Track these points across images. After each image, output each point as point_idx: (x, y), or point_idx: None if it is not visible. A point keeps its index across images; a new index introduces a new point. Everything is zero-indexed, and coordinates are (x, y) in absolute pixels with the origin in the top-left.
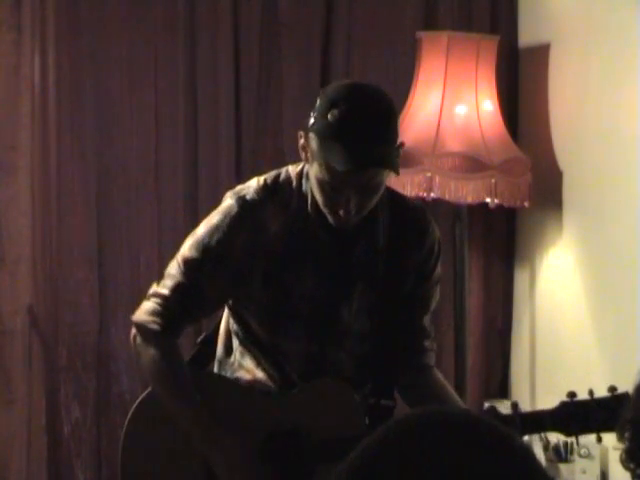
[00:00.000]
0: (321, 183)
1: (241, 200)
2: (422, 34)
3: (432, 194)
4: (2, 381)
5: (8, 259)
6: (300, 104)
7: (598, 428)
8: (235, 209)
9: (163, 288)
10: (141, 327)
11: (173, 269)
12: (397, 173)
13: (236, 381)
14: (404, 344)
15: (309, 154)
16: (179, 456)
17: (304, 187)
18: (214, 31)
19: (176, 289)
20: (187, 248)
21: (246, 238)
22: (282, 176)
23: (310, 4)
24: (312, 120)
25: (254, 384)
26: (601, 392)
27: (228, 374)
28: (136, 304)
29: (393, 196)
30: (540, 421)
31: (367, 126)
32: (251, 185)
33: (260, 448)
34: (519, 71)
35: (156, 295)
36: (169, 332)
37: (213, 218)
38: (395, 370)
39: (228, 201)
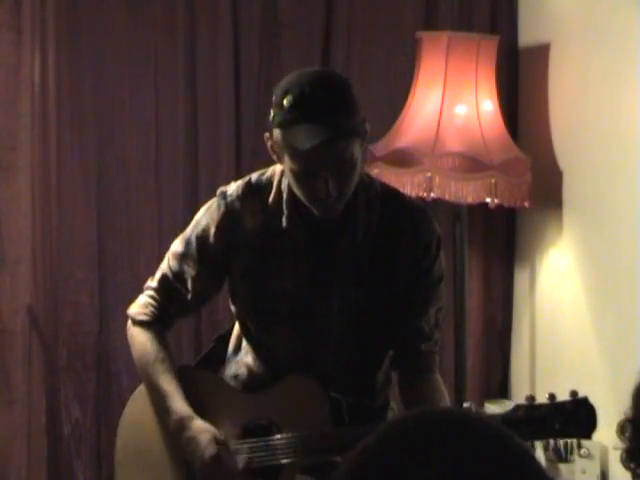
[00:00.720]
0: (296, 174)
1: (222, 196)
2: (422, 34)
3: (432, 194)
4: (2, 381)
5: (8, 259)
6: None
7: (553, 433)
8: (215, 204)
9: (153, 282)
10: (132, 318)
11: (163, 263)
12: (364, 140)
13: (217, 377)
14: (398, 345)
15: (278, 151)
16: (161, 451)
17: (283, 185)
18: (214, 31)
19: (162, 280)
20: (175, 243)
21: (223, 233)
22: (267, 174)
23: (310, 4)
24: (271, 116)
25: (251, 379)
26: (601, 392)
27: (232, 370)
28: None
29: (388, 192)
30: None
31: (323, 101)
32: (237, 182)
33: (235, 442)
34: (519, 71)
35: (147, 288)
36: (157, 322)
37: (199, 213)
38: (376, 369)
39: (214, 198)
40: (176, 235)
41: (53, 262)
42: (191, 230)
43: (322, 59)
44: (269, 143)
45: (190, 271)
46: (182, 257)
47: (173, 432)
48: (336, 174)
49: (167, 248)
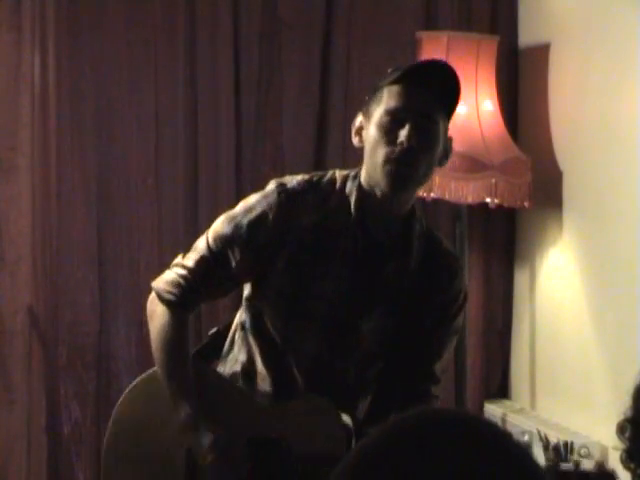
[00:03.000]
0: (380, 122)
1: (282, 187)
2: (422, 34)
3: (432, 194)
4: (2, 381)
5: (8, 259)
6: (300, 104)
7: None
8: (274, 194)
9: (188, 260)
10: (158, 294)
11: (201, 243)
12: (446, 143)
13: (230, 380)
14: (408, 384)
15: (363, 127)
16: (161, 446)
17: (348, 188)
18: (214, 31)
19: (201, 262)
20: (219, 223)
21: (278, 223)
22: (327, 176)
23: (310, 4)
24: (369, 94)
25: (248, 381)
26: (601, 392)
27: (227, 368)
28: (136, 304)
29: (432, 232)
30: None
31: (439, 68)
32: (296, 177)
33: (242, 447)
34: (519, 71)
35: (180, 266)
36: (184, 305)
37: (251, 198)
38: (393, 398)
39: (270, 186)
40: (176, 235)
41: (53, 262)
42: (242, 214)
43: (322, 59)
44: (357, 124)
45: (235, 256)
46: (228, 240)
47: (180, 428)
48: (416, 124)
49: (167, 248)
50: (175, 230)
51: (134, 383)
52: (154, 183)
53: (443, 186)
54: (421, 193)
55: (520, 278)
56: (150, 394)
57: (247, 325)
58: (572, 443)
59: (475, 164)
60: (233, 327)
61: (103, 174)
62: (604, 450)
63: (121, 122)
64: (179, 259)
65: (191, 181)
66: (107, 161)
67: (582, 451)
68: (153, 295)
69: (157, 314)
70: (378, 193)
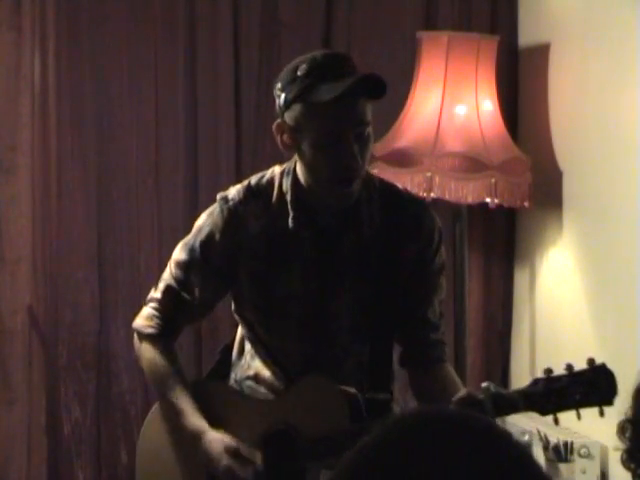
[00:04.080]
0: (319, 143)
1: (223, 201)
2: (422, 34)
3: (432, 194)
4: (2, 381)
5: (8, 259)
6: None
7: (575, 404)
8: (217, 210)
9: (156, 292)
10: (138, 331)
11: (165, 273)
12: (384, 87)
13: (231, 387)
14: (407, 338)
15: (293, 137)
16: (182, 459)
17: (284, 185)
18: (214, 31)
19: (167, 291)
20: (177, 250)
21: (227, 238)
22: (267, 176)
23: (310, 4)
24: (282, 98)
25: (260, 383)
26: None
27: (239, 376)
28: (136, 304)
29: (387, 187)
30: (513, 402)
31: (337, 62)
32: (236, 187)
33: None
34: (519, 71)
35: (151, 300)
36: (164, 334)
37: (200, 219)
38: (390, 363)
39: (215, 203)
40: (176, 235)
41: (53, 262)
42: (193, 237)
43: None
44: (279, 134)
45: (196, 279)
46: (186, 265)
47: (190, 448)
48: (359, 137)
49: (167, 248)
50: (175, 230)
51: (148, 417)
52: (154, 183)
53: (443, 186)
54: (421, 193)
55: (520, 278)
56: (164, 425)
57: (248, 337)
58: (572, 443)
59: (475, 164)
60: (237, 338)
61: (103, 174)
62: (604, 450)
63: (121, 122)
64: (151, 293)
65: (191, 181)
66: (107, 161)
67: (582, 451)
68: (135, 336)
69: (143, 351)
70: (321, 196)
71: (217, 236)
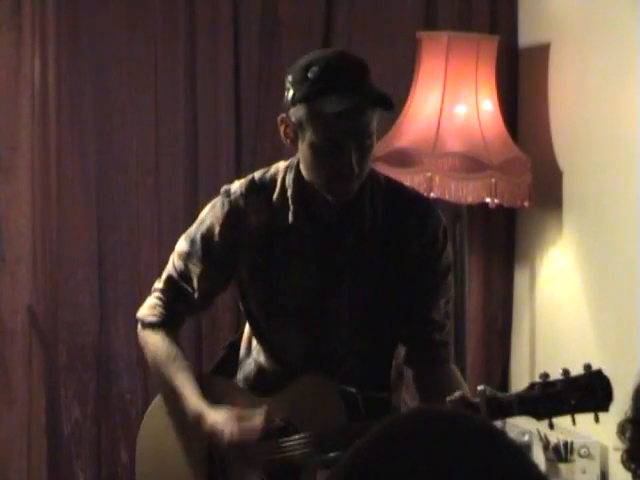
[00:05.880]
0: (319, 148)
1: (226, 194)
2: (422, 34)
3: (432, 194)
4: (2, 381)
5: (8, 259)
6: None
7: (570, 409)
8: (219, 202)
9: (159, 282)
10: (142, 321)
11: (168, 264)
12: (392, 107)
13: (232, 382)
14: (412, 337)
15: (296, 133)
16: (184, 454)
17: (287, 180)
18: (214, 31)
19: (168, 281)
20: (180, 241)
21: (228, 231)
22: (270, 171)
23: (310, 4)
24: (290, 94)
25: (261, 378)
26: None
27: (246, 372)
28: (136, 304)
29: (392, 185)
30: (508, 405)
31: (350, 70)
32: (240, 181)
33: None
34: (519, 71)
35: (155, 290)
36: (166, 323)
37: (203, 211)
38: (388, 363)
39: (218, 196)
40: (176, 235)
41: (53, 262)
42: (195, 229)
43: None
44: (283, 126)
45: (195, 270)
46: (187, 256)
47: (194, 430)
48: (359, 148)
49: (167, 248)
50: (175, 230)
51: (151, 406)
52: (154, 183)
53: (443, 186)
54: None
55: (520, 278)
56: (166, 412)
57: (253, 331)
58: (572, 443)
59: (475, 164)
60: (245, 334)
61: (103, 174)
62: (604, 450)
63: (121, 122)
64: (155, 284)
65: (191, 181)
66: (107, 161)
67: (582, 451)
68: (138, 326)
69: (147, 343)
70: (321, 192)
71: (218, 229)
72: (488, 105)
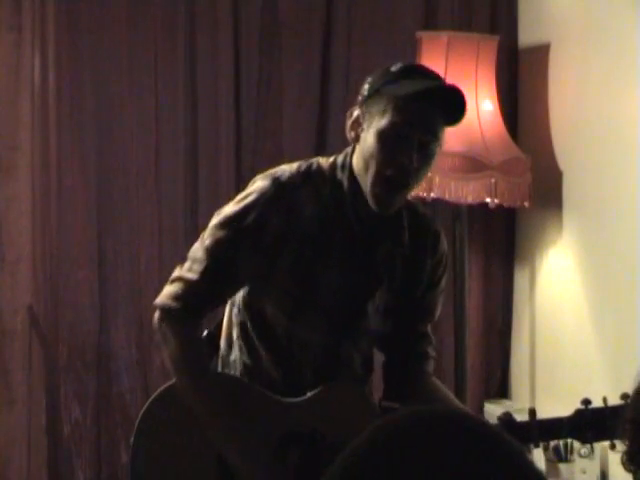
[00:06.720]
0: (384, 133)
1: (277, 181)
2: (422, 34)
3: (432, 194)
4: (2, 381)
5: (8, 259)
6: (300, 104)
7: (612, 436)
8: (271, 190)
9: (190, 273)
10: (166, 312)
11: (199, 252)
12: (463, 113)
13: (247, 383)
14: (408, 350)
15: (361, 124)
16: (190, 453)
17: (339, 176)
18: (214, 31)
19: (205, 273)
20: (217, 228)
21: (281, 219)
22: (314, 165)
23: (310, 4)
24: (367, 87)
25: (255, 380)
26: (601, 392)
27: (231, 371)
28: (136, 304)
29: (410, 205)
30: (557, 428)
31: (433, 72)
32: (285, 169)
33: (275, 448)
34: (519, 71)
35: (182, 280)
36: (194, 318)
37: (246, 198)
38: (401, 373)
39: (261, 182)
40: (176, 235)
41: (53, 262)
42: (242, 216)
43: (322, 59)
44: (350, 119)
45: (242, 260)
46: (233, 245)
47: (217, 440)
48: (423, 146)
49: (167, 248)
50: (175, 230)
51: (160, 390)
52: (154, 183)
53: (443, 186)
54: (421, 193)
55: (520, 278)
56: (176, 400)
57: (249, 326)
58: (572, 443)
59: (475, 164)
60: (226, 327)
61: (103, 174)
62: (604, 450)
63: (121, 122)
64: (179, 273)
65: (191, 181)
66: (107, 161)
67: (582, 451)
68: (159, 315)
69: (169, 337)
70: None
71: (271, 217)
72: (488, 105)
